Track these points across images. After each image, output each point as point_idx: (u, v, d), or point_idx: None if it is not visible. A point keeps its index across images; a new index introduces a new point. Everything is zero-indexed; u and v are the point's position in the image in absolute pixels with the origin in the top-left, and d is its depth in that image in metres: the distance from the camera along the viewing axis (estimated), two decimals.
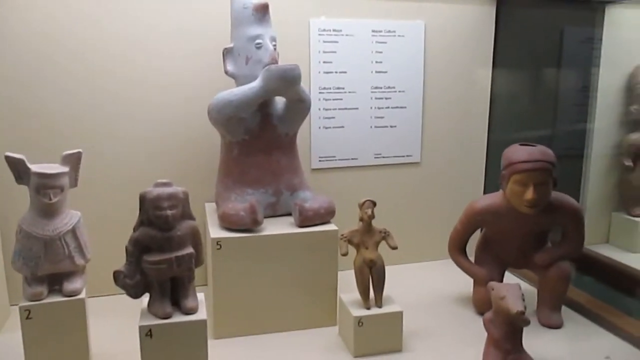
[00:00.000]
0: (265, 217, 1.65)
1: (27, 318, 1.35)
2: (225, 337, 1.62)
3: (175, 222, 1.32)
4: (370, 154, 2.14)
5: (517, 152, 1.58)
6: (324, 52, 2.01)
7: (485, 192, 2.25)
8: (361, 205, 1.53)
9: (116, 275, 1.32)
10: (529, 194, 1.53)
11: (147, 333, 1.30)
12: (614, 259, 1.95)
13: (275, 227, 1.65)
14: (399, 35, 2.08)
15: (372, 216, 1.53)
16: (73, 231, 1.39)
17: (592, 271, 1.95)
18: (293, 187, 1.74)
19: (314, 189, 1.80)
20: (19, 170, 1.36)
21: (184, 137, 1.92)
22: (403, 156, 2.18)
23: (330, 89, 2.04)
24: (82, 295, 1.41)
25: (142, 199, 1.31)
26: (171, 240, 1.31)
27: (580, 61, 2.19)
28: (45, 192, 1.35)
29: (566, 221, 1.68)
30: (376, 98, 2.11)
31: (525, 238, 1.70)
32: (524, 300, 1.35)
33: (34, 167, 1.36)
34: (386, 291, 1.57)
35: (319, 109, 2.04)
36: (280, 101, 1.73)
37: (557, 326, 1.68)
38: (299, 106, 1.72)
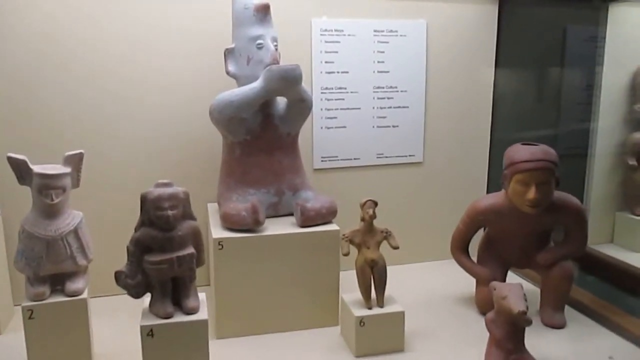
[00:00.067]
0: (267, 217, 1.65)
1: (29, 318, 1.35)
2: (227, 337, 1.62)
3: (176, 222, 1.32)
4: (372, 154, 2.14)
5: (519, 152, 1.57)
6: (326, 52, 2.01)
7: (488, 192, 2.24)
8: (363, 205, 1.53)
9: (117, 276, 1.32)
10: (531, 193, 1.52)
11: (148, 333, 1.30)
12: (618, 258, 1.94)
13: (277, 227, 1.65)
14: (401, 35, 2.08)
15: (374, 216, 1.53)
16: (75, 231, 1.40)
17: (596, 271, 1.93)
18: (295, 187, 1.74)
19: (316, 189, 1.79)
20: (21, 171, 1.37)
21: (185, 138, 1.93)
22: (405, 156, 2.18)
23: (332, 89, 2.04)
24: (85, 295, 1.42)
25: (143, 200, 1.31)
26: (172, 240, 1.31)
27: (583, 60, 2.18)
28: (47, 192, 1.35)
29: (569, 220, 1.67)
30: (378, 98, 2.10)
31: (528, 238, 1.69)
32: (526, 300, 1.34)
33: (36, 168, 1.36)
34: (388, 291, 1.57)
35: (321, 109, 2.04)
36: (281, 101, 1.73)
37: (560, 326, 1.67)
38: (301, 106, 1.72)
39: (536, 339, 1.53)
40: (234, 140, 1.70)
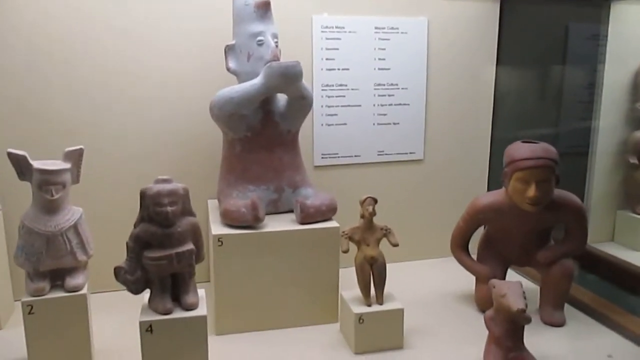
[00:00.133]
0: (266, 214, 1.65)
1: (29, 313, 1.36)
2: (227, 334, 1.63)
3: (176, 218, 1.32)
4: (373, 151, 2.14)
5: (519, 150, 1.57)
6: (327, 49, 2.01)
7: (488, 190, 2.23)
8: (362, 203, 1.53)
9: (117, 271, 1.33)
10: (531, 191, 1.52)
11: (147, 328, 1.30)
12: (618, 257, 1.94)
13: (277, 224, 1.65)
14: (402, 32, 2.08)
15: (374, 213, 1.52)
16: (75, 227, 1.40)
17: (596, 269, 1.93)
18: (295, 184, 1.74)
19: (316, 186, 1.79)
20: (21, 166, 1.37)
21: (186, 134, 1.93)
22: (406, 153, 2.17)
23: (332, 86, 2.04)
24: (84, 290, 1.42)
25: (143, 196, 1.31)
26: (171, 236, 1.31)
27: (585, 58, 2.18)
28: (47, 188, 1.35)
29: (569, 218, 1.67)
30: (379, 95, 2.10)
31: (528, 236, 1.69)
32: (525, 298, 1.34)
33: (36, 164, 1.36)
34: (387, 288, 1.57)
35: (322, 106, 2.04)
36: (282, 98, 1.73)
37: (560, 324, 1.67)
38: (301, 103, 1.72)
39: (536, 337, 1.53)
40: (234, 136, 1.70)
